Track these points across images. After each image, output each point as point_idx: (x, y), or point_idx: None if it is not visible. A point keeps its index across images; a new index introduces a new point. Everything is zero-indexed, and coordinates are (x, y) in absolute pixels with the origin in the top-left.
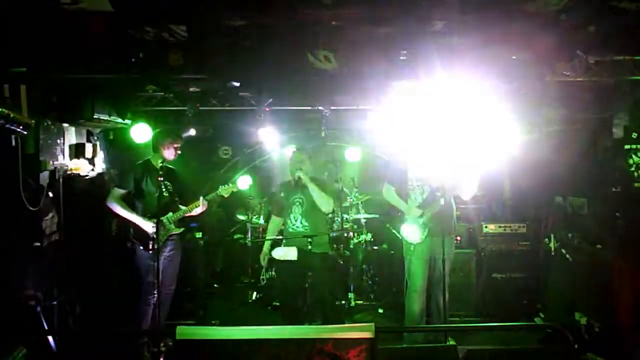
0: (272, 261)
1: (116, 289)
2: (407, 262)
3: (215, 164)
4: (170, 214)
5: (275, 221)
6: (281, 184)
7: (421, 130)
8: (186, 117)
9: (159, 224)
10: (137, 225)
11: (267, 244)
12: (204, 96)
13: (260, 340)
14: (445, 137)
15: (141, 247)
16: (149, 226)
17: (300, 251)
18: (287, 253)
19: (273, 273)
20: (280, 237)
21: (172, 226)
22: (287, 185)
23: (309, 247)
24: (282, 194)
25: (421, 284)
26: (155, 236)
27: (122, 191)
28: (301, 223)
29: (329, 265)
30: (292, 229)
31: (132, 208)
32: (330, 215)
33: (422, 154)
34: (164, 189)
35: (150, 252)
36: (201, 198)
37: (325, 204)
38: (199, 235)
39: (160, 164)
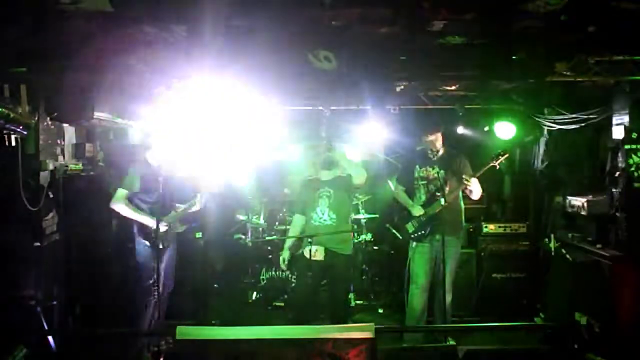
0: (297, 260)
1: (116, 289)
2: (410, 260)
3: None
4: (173, 212)
5: (300, 219)
6: (304, 181)
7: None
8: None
9: (158, 224)
10: (144, 226)
11: (286, 246)
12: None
13: (260, 340)
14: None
15: (148, 247)
16: (159, 226)
17: (327, 252)
18: (316, 253)
19: (288, 272)
20: (295, 236)
21: (177, 224)
22: (311, 180)
23: (340, 248)
24: (304, 191)
25: (423, 283)
26: (158, 235)
27: (126, 192)
28: (329, 216)
29: (349, 266)
30: (319, 222)
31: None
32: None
33: (423, 153)
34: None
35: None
36: (198, 195)
37: (359, 174)
38: (199, 235)
39: (157, 164)
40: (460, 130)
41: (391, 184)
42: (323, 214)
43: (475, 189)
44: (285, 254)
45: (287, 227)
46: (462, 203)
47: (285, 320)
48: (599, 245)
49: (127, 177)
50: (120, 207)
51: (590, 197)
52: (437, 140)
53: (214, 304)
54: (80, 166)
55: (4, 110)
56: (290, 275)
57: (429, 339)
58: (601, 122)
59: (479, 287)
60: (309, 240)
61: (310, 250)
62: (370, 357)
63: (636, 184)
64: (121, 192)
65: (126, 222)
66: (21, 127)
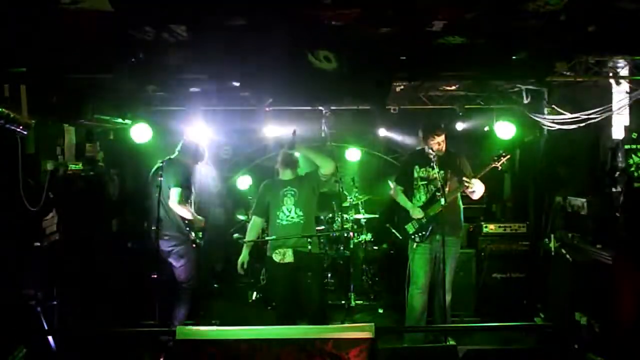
0: (266, 264)
1: (116, 288)
2: (410, 260)
3: (215, 164)
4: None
5: (257, 222)
6: (265, 184)
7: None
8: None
9: (159, 223)
10: (191, 223)
11: (245, 250)
12: (203, 96)
13: (260, 340)
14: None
15: (194, 245)
16: (201, 222)
17: (295, 252)
18: (285, 255)
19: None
20: (263, 239)
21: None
22: (273, 182)
23: (309, 247)
24: (267, 192)
25: (423, 283)
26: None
27: (182, 190)
28: (296, 213)
29: (321, 265)
30: (287, 220)
31: None
32: (330, 215)
33: (424, 153)
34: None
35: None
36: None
37: (327, 164)
38: (199, 235)
39: (160, 164)
40: (460, 127)
41: (391, 184)
42: (290, 212)
43: (477, 189)
44: (245, 258)
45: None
46: (461, 203)
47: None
48: (599, 245)
49: (181, 176)
50: (184, 209)
51: (590, 197)
52: (443, 141)
53: (214, 304)
54: (80, 166)
55: (4, 110)
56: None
57: (429, 339)
58: (601, 122)
59: (479, 287)
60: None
61: (278, 254)
62: (370, 357)
63: (636, 184)
64: (180, 192)
65: (134, 221)
66: (21, 127)
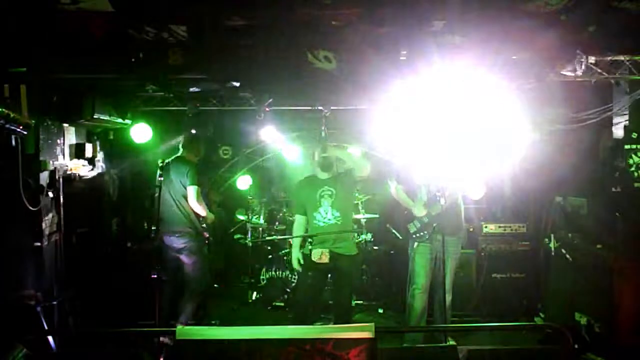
0: (304, 261)
1: (116, 288)
2: (411, 260)
3: (215, 164)
4: None
5: (302, 221)
6: (300, 183)
7: (424, 131)
8: (186, 117)
9: (158, 223)
10: (205, 220)
11: (296, 247)
12: (204, 96)
13: (260, 340)
14: (448, 137)
15: (206, 242)
16: (212, 218)
17: (331, 254)
18: (322, 255)
19: (288, 272)
20: (299, 236)
21: None
22: (309, 181)
23: (344, 249)
24: (303, 192)
25: (424, 283)
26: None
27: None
28: (332, 215)
29: (354, 267)
30: (324, 222)
31: None
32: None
33: (425, 154)
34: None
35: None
36: None
37: (361, 165)
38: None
39: (160, 164)
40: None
41: (391, 184)
42: (327, 214)
43: (478, 189)
44: (298, 254)
45: (286, 227)
46: (462, 203)
47: (285, 320)
48: (599, 245)
49: (196, 174)
50: (200, 207)
51: (590, 197)
52: None
53: (214, 304)
54: (80, 166)
55: (4, 110)
56: (290, 275)
57: (429, 339)
58: (601, 122)
59: (479, 287)
60: (309, 240)
61: (316, 253)
62: (370, 357)
63: (636, 184)
64: (198, 189)
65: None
66: (21, 127)
